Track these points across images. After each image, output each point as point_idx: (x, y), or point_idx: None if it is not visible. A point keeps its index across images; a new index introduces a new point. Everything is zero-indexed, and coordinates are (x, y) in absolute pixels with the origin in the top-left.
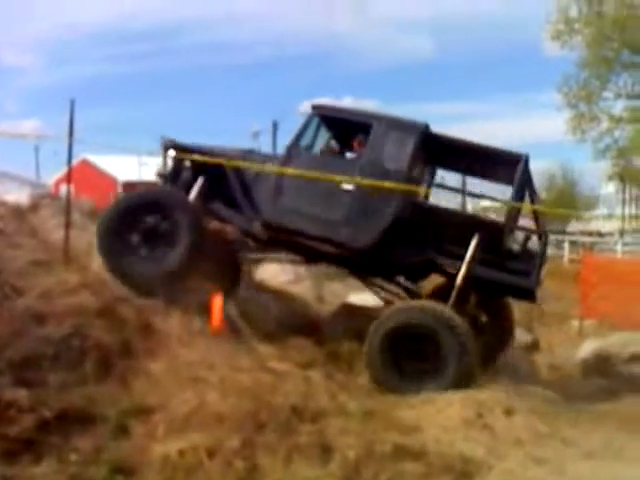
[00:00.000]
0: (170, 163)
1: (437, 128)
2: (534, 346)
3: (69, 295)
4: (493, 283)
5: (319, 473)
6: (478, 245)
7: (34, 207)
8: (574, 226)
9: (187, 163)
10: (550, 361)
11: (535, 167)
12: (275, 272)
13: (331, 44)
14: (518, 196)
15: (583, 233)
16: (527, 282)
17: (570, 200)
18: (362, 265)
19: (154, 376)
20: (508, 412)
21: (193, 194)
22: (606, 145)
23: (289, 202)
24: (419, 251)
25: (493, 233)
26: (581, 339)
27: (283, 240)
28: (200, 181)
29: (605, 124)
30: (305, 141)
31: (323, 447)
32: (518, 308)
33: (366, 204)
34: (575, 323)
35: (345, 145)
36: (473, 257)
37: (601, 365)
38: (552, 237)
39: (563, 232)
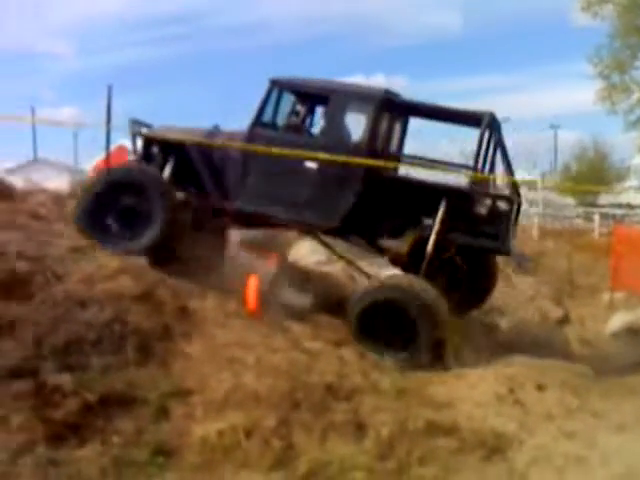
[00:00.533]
0: (140, 147)
1: (467, 102)
2: (565, 320)
3: (109, 280)
4: (464, 246)
5: (354, 450)
6: (446, 212)
7: (74, 194)
8: (604, 198)
9: (155, 148)
10: (581, 334)
11: (566, 138)
12: (307, 252)
13: (360, 22)
14: (483, 157)
15: (613, 205)
16: (497, 244)
17: (601, 172)
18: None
19: (192, 358)
20: (539, 387)
21: (164, 177)
22: (637, 117)
23: (255, 187)
24: (389, 222)
25: (460, 199)
26: (611, 312)
27: (254, 221)
28: (170, 164)
29: (636, 95)
30: (267, 117)
31: (357, 425)
32: (549, 283)
33: (330, 183)
34: (606, 296)
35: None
36: (441, 224)
37: (631, 338)
38: (582, 210)
39: (593, 205)
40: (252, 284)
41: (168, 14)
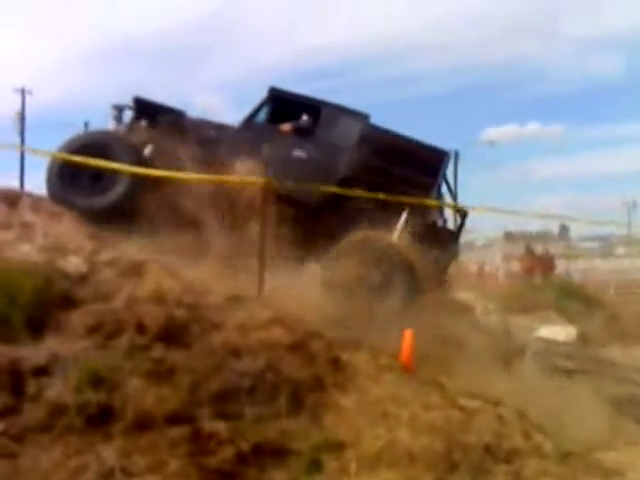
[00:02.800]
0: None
1: (627, 149)
2: None
3: (262, 330)
4: None
5: None
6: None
7: None
8: None
9: (143, 123)
10: None
11: None
12: None
13: (517, 69)
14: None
15: None
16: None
17: None
18: (309, 226)
19: (344, 411)
20: None
21: (148, 150)
22: None
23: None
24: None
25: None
26: None
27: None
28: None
29: None
30: (258, 119)
31: None
32: None
33: (314, 168)
34: None
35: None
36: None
37: None
38: None
39: None
40: (407, 338)
41: (318, 69)
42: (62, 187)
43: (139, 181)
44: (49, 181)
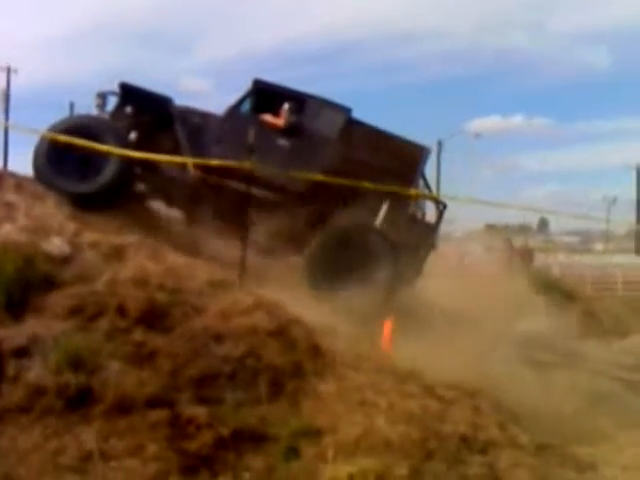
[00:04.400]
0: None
1: (615, 145)
2: None
3: (244, 315)
4: None
5: None
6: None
7: None
8: None
9: (128, 109)
10: None
11: None
12: None
13: (503, 61)
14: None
15: None
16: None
17: None
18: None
19: (323, 398)
20: None
21: (133, 135)
22: None
23: (227, 149)
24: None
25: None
26: None
27: (211, 184)
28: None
29: None
30: (243, 109)
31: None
32: None
33: (298, 157)
34: None
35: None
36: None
37: None
38: None
39: None
40: (387, 327)
41: (304, 54)
42: (49, 169)
43: (126, 166)
44: (36, 161)
